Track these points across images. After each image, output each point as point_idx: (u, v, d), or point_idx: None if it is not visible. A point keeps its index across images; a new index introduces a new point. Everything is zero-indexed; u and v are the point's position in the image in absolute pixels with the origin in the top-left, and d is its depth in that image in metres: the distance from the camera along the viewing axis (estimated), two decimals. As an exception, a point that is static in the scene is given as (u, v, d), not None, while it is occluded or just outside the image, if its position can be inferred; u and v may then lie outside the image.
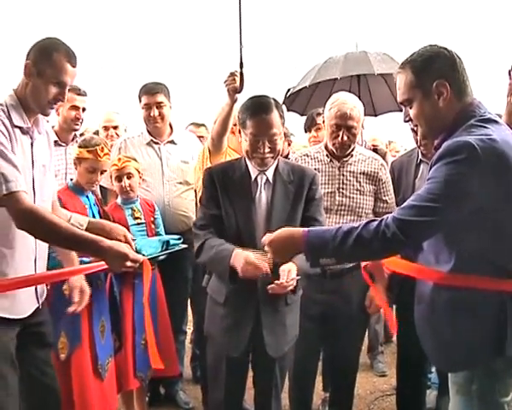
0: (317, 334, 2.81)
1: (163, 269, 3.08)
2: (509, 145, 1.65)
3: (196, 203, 3.41)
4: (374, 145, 4.65)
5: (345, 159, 2.78)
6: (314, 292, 2.65)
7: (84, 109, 3.30)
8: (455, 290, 1.71)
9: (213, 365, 2.45)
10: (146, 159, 3.32)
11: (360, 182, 2.77)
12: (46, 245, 2.20)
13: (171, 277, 3.12)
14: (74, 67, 2.10)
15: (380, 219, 1.74)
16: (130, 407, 3.11)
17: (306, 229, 1.88)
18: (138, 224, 3.03)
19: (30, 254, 2.11)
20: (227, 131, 3.00)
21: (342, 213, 2.75)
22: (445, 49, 1.77)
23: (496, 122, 1.72)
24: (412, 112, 1.81)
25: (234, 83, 2.84)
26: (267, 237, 1.94)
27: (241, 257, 2.12)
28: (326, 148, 2.82)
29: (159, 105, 3.32)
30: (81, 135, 3.58)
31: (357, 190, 2.76)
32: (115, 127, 4.00)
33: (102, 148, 2.77)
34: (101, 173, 2.82)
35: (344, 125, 2.67)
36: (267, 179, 2.33)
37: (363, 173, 2.78)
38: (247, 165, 2.34)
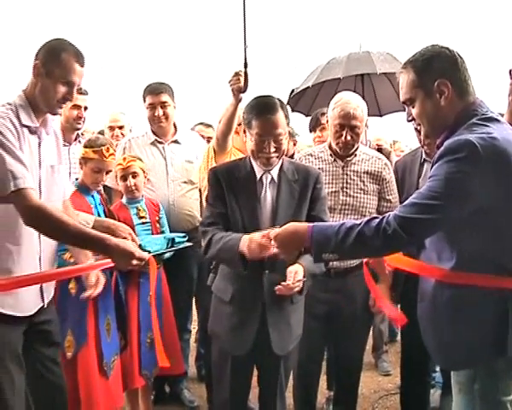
0: (322, 333, 2.82)
1: (168, 268, 3.09)
2: (510, 144, 1.65)
3: (201, 203, 3.42)
4: (378, 145, 4.66)
5: (348, 158, 2.79)
6: (318, 291, 2.65)
7: (85, 108, 3.32)
8: (456, 288, 1.72)
9: (218, 363, 2.46)
10: (150, 159, 3.33)
11: (364, 181, 2.77)
12: (52, 244, 2.21)
13: (175, 276, 3.14)
14: (82, 66, 2.13)
15: (381, 216, 1.75)
16: (135, 405, 3.13)
17: (311, 224, 1.90)
18: (143, 223, 3.04)
19: (35, 252, 2.13)
20: (231, 130, 3.01)
21: (346, 212, 2.75)
22: (447, 48, 1.78)
23: (497, 121, 1.73)
24: (414, 111, 1.82)
25: (238, 82, 2.84)
26: (273, 232, 1.97)
27: (247, 240, 2.13)
28: (330, 147, 2.83)
29: (163, 105, 3.33)
30: (81, 134, 3.60)
31: (360, 189, 2.77)
32: (121, 127, 4.02)
33: (108, 148, 2.79)
34: (107, 173, 2.84)
35: (347, 124, 2.67)
36: (272, 179, 2.34)
37: (367, 173, 2.79)
38: (251, 164, 2.36)
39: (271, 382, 2.46)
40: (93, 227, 2.41)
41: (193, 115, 5.20)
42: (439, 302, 1.78)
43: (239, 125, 2.98)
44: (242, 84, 2.84)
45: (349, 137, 2.69)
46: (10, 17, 8.82)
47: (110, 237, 2.08)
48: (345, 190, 2.77)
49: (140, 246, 2.45)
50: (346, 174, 2.78)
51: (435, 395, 3.29)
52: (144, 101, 3.39)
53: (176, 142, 3.44)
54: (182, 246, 2.93)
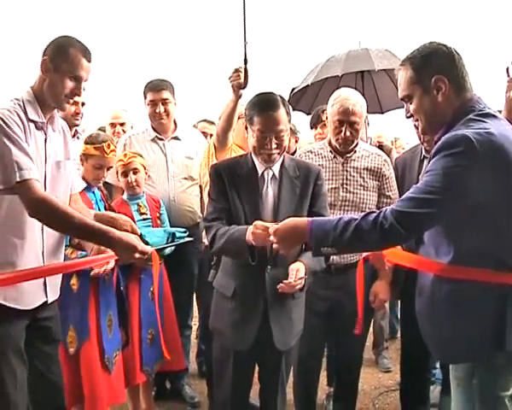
0: (322, 330, 2.83)
1: (169, 264, 3.10)
2: (507, 139, 1.66)
3: (201, 199, 3.44)
4: (379, 142, 4.66)
5: (348, 155, 2.80)
6: (319, 288, 2.67)
7: (83, 104, 3.33)
8: (455, 283, 1.73)
9: (220, 359, 2.47)
10: (151, 155, 3.34)
11: (364, 178, 2.78)
12: (55, 239, 2.21)
13: (176, 272, 3.15)
14: (89, 62, 2.15)
15: (379, 210, 1.76)
16: (136, 401, 3.14)
17: (310, 219, 1.92)
18: (144, 219, 3.05)
19: (37, 246, 2.13)
20: (232, 126, 3.02)
21: (346, 208, 2.76)
22: (444, 45, 1.80)
23: (495, 117, 1.74)
24: (412, 107, 1.83)
25: (238, 79, 2.85)
26: (273, 227, 1.98)
27: (252, 226, 2.12)
28: (330, 144, 2.84)
29: (164, 102, 3.34)
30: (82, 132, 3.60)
31: (360, 185, 2.77)
32: (122, 124, 4.01)
33: (109, 144, 2.80)
34: (108, 170, 2.85)
35: (346, 120, 2.68)
36: (273, 175, 2.35)
37: (367, 169, 2.80)
38: (253, 161, 2.36)
39: (272, 378, 2.47)
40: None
41: (194, 112, 5.21)
42: (438, 297, 1.78)
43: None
44: (242, 80, 2.86)
45: (348, 133, 2.70)
46: (11, 17, 8.83)
47: (114, 230, 2.10)
48: (345, 186, 2.77)
49: (140, 236, 2.46)
50: (346, 170, 2.79)
51: (435, 391, 3.29)
52: (145, 97, 3.40)
53: (176, 138, 3.45)
54: (182, 241, 2.93)
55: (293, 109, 4.62)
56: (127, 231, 2.24)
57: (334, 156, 2.81)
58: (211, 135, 3.95)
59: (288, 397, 2.70)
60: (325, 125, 3.70)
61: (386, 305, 4.19)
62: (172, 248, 2.95)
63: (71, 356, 2.62)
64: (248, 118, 2.31)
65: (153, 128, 3.42)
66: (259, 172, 2.35)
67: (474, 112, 1.73)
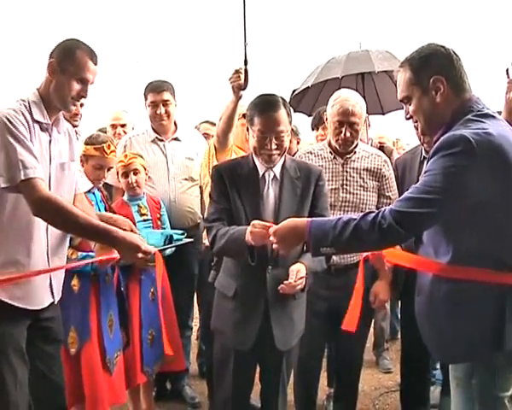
0: (322, 330, 2.83)
1: (169, 265, 3.09)
2: (506, 140, 1.66)
3: (201, 200, 3.44)
4: (380, 143, 4.66)
5: (348, 156, 2.80)
6: (319, 288, 2.67)
7: (81, 105, 3.32)
8: (454, 283, 1.73)
9: (221, 360, 2.47)
10: (151, 156, 3.35)
11: (363, 178, 2.79)
12: (59, 239, 2.22)
13: (176, 272, 3.15)
14: (96, 64, 2.17)
15: (377, 210, 1.77)
16: (137, 401, 3.14)
17: (310, 219, 1.92)
18: (145, 220, 3.06)
19: (42, 247, 2.14)
20: (232, 127, 3.02)
21: (346, 209, 2.77)
22: (443, 46, 1.81)
23: (493, 117, 1.74)
24: (411, 109, 1.84)
25: (238, 80, 2.86)
26: (273, 228, 1.99)
27: (250, 226, 2.13)
28: (329, 145, 2.84)
29: (165, 103, 3.35)
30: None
31: (360, 186, 2.78)
32: (123, 125, 4.02)
33: (109, 145, 2.81)
34: (108, 170, 2.86)
35: (346, 121, 2.69)
36: (274, 176, 2.36)
37: (367, 170, 2.80)
38: (254, 162, 2.37)
39: (273, 378, 2.48)
40: None
41: (194, 113, 5.21)
42: (436, 297, 1.79)
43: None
44: (242, 81, 2.86)
45: (348, 134, 2.71)
46: (12, 18, 8.85)
47: (118, 229, 2.11)
48: (345, 187, 2.78)
49: None
50: (346, 171, 2.79)
51: (435, 392, 3.29)
52: (146, 99, 3.41)
53: (176, 139, 3.46)
54: (183, 242, 2.92)
55: (295, 111, 4.62)
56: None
57: (334, 157, 2.81)
58: (212, 136, 3.95)
59: (289, 398, 2.70)
60: (326, 126, 3.70)
61: (387, 306, 4.19)
62: (173, 249, 2.95)
63: (72, 356, 2.63)
64: (249, 118, 2.31)
65: (153, 129, 3.43)
66: (260, 173, 2.36)
67: (473, 112, 1.74)
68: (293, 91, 4.77)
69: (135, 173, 3.05)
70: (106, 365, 2.71)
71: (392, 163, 3.00)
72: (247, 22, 2.79)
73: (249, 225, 2.19)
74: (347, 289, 2.70)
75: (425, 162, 2.81)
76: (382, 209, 1.76)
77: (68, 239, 2.32)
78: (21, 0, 8.93)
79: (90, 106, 2.25)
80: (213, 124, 4.34)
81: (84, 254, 2.59)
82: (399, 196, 2.78)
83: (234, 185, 2.33)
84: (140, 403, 3.16)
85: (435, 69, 1.77)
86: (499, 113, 2.09)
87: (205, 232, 2.90)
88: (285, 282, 2.17)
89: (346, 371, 3.01)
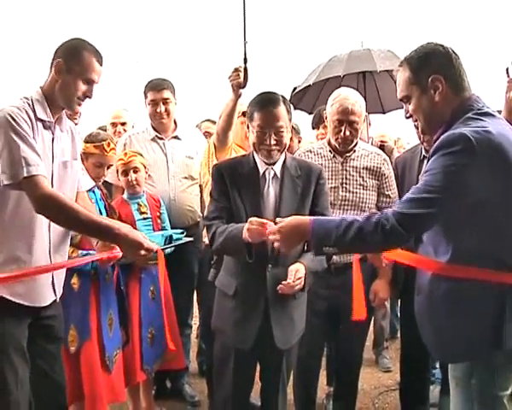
0: (322, 329, 2.84)
1: (169, 263, 3.08)
2: (505, 138, 1.66)
3: (201, 198, 3.44)
4: (382, 142, 4.65)
5: (347, 154, 2.80)
6: (319, 288, 2.67)
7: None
8: (453, 282, 1.73)
9: (221, 358, 2.47)
10: (151, 154, 3.35)
11: (363, 177, 2.79)
12: (61, 236, 2.22)
13: (176, 271, 3.14)
14: (101, 65, 2.19)
15: (381, 212, 1.77)
16: (136, 400, 3.14)
17: (312, 218, 1.92)
18: (144, 218, 3.06)
19: (45, 244, 2.14)
20: (231, 126, 3.02)
21: (346, 207, 2.77)
22: (441, 45, 1.81)
23: (493, 116, 1.74)
24: (411, 108, 1.84)
25: (238, 78, 2.86)
26: (274, 226, 1.98)
27: (247, 223, 2.13)
28: (329, 143, 2.84)
29: (165, 101, 3.35)
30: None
31: (360, 184, 2.78)
32: (123, 124, 4.02)
33: (109, 143, 2.81)
34: (108, 168, 2.86)
35: (346, 120, 2.69)
36: (275, 174, 2.36)
37: (366, 168, 2.80)
38: (254, 160, 2.37)
39: (274, 377, 2.48)
40: None
41: (194, 111, 5.21)
42: (436, 296, 1.79)
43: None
44: (242, 79, 2.86)
45: (348, 133, 2.71)
46: (12, 18, 8.85)
47: (120, 226, 2.11)
48: (344, 185, 2.78)
49: None
50: (346, 170, 2.79)
51: (435, 391, 3.29)
52: (145, 97, 3.41)
53: (176, 138, 3.45)
54: (183, 241, 2.93)
55: (295, 108, 4.62)
56: None
57: (334, 156, 2.81)
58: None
59: (289, 397, 2.70)
60: (326, 125, 3.70)
61: (387, 304, 4.20)
62: (172, 248, 2.95)
63: (71, 355, 2.63)
64: (249, 115, 2.33)
65: (153, 127, 3.43)
66: (261, 172, 2.36)
67: (473, 111, 1.74)
68: (294, 89, 4.77)
69: (135, 171, 3.05)
70: (105, 363, 2.71)
71: (392, 162, 3.00)
72: (248, 21, 2.79)
73: None
74: (347, 288, 2.70)
75: (425, 161, 2.83)
76: (385, 211, 1.76)
77: (69, 237, 2.33)
78: (22, 0, 8.94)
79: (91, 104, 2.24)
80: (215, 122, 4.32)
81: (85, 252, 2.59)
82: (399, 195, 2.82)
83: (234, 184, 2.33)
84: (140, 401, 3.16)
85: (433, 68, 1.77)
86: (499, 112, 2.08)
87: (205, 231, 2.90)
88: (283, 282, 2.17)
89: (345, 370, 3.01)
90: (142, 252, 2.09)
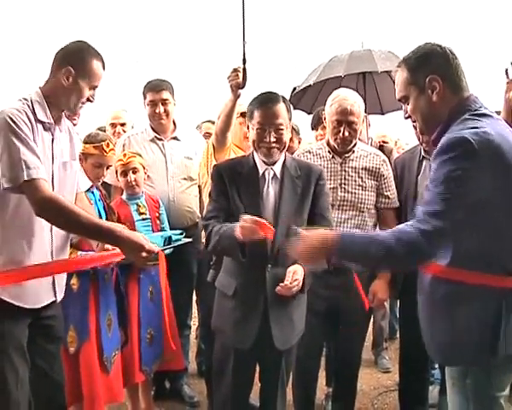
0: (321, 330, 2.83)
1: (168, 264, 3.08)
2: (504, 139, 1.66)
3: (200, 199, 3.44)
4: (383, 142, 4.64)
5: (346, 155, 2.81)
6: (319, 288, 2.66)
7: None
8: (452, 285, 1.72)
9: (220, 358, 2.47)
10: (150, 155, 3.35)
11: (362, 177, 2.79)
12: (63, 238, 2.22)
13: (175, 272, 3.12)
14: (105, 70, 2.20)
15: (409, 231, 1.68)
16: (135, 400, 3.14)
17: (340, 234, 1.80)
18: (143, 219, 3.06)
19: (47, 245, 2.14)
20: (230, 126, 3.02)
21: (344, 208, 2.77)
22: (439, 45, 1.81)
23: (491, 117, 1.74)
24: (409, 108, 1.84)
25: (237, 79, 2.86)
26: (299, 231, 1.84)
27: (240, 221, 2.12)
28: (328, 144, 2.85)
29: (164, 102, 3.35)
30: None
31: (359, 185, 2.78)
32: (122, 124, 4.02)
33: (108, 143, 2.81)
34: (107, 168, 2.86)
35: (345, 120, 2.69)
36: (274, 174, 2.36)
37: (365, 169, 2.80)
38: (254, 160, 2.38)
39: (273, 378, 2.48)
40: None
41: (194, 112, 5.21)
42: (435, 298, 1.78)
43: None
44: (241, 80, 2.86)
45: (347, 133, 2.71)
46: (12, 18, 8.85)
47: (121, 228, 2.11)
48: (343, 186, 2.78)
49: None
50: (345, 171, 2.79)
51: (434, 391, 3.29)
52: (145, 98, 3.41)
53: (175, 138, 3.45)
54: (182, 242, 2.92)
55: (295, 108, 4.61)
56: None
57: (333, 156, 2.82)
58: (213, 135, 3.95)
59: (288, 397, 2.70)
60: (325, 126, 3.70)
61: (386, 305, 4.20)
62: (171, 248, 2.95)
63: (70, 355, 2.63)
64: (249, 113, 2.34)
65: (152, 128, 3.43)
66: (260, 172, 2.36)
67: (471, 111, 1.74)
68: (294, 89, 4.77)
69: (134, 172, 3.05)
70: (103, 364, 2.71)
71: (391, 163, 3.00)
72: (247, 21, 2.79)
73: None
74: (346, 289, 2.72)
75: (424, 162, 2.84)
76: (414, 233, 1.66)
77: (70, 239, 2.33)
78: (22, 0, 8.93)
79: (90, 105, 2.24)
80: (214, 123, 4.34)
81: (84, 253, 2.59)
82: (398, 197, 2.81)
83: (234, 184, 2.33)
84: (139, 402, 3.16)
85: (431, 68, 1.77)
86: (498, 113, 2.08)
87: (203, 231, 2.90)
88: (281, 284, 2.17)
89: (344, 371, 3.02)
90: (144, 254, 2.09)
